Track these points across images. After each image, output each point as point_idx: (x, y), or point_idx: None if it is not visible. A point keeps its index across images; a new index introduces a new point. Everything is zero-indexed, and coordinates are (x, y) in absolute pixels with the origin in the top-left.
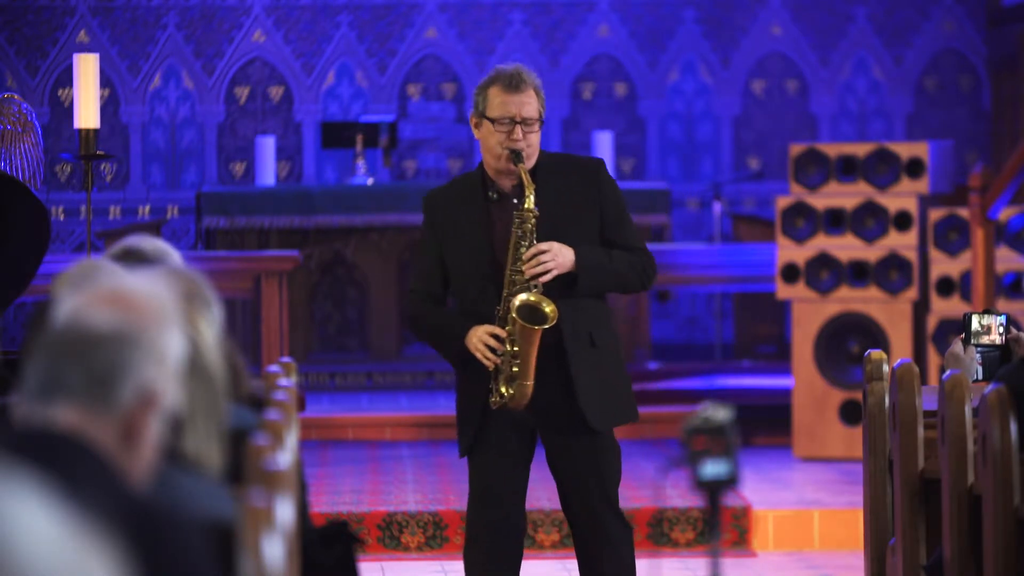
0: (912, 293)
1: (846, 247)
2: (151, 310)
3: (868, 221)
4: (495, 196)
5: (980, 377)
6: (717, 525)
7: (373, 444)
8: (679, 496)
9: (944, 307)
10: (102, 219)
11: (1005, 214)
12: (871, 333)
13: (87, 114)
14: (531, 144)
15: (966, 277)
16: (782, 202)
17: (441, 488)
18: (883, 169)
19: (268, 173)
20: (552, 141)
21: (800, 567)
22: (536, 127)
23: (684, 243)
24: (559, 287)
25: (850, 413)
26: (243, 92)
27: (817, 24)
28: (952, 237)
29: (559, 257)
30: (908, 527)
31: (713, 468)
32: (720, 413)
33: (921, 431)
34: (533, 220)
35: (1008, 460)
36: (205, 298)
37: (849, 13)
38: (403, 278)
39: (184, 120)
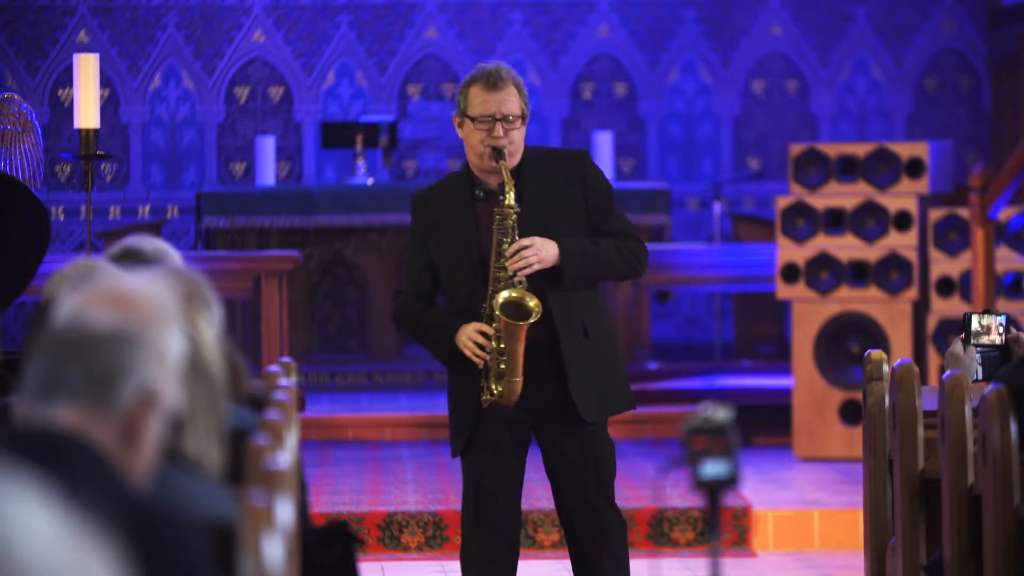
0: (912, 293)
1: (846, 247)
2: (151, 310)
3: (868, 221)
4: (481, 194)
5: (980, 377)
6: (717, 525)
7: (373, 444)
8: (679, 496)
9: (944, 307)
10: (102, 219)
11: (1005, 214)
12: (871, 333)
13: (87, 114)
14: (514, 141)
15: (966, 277)
16: (782, 202)
17: (441, 488)
18: (883, 169)
19: (268, 173)
20: (552, 141)
21: (800, 567)
22: (518, 124)
23: (684, 243)
24: (548, 280)
25: (850, 413)
26: (243, 92)
27: (817, 24)
28: (952, 237)
29: (542, 251)
30: (908, 527)
31: (713, 468)
32: (720, 413)
33: (921, 431)
34: (514, 216)
35: (1008, 460)
36: (205, 298)
37: (849, 13)
38: (402, 278)
39: (184, 120)
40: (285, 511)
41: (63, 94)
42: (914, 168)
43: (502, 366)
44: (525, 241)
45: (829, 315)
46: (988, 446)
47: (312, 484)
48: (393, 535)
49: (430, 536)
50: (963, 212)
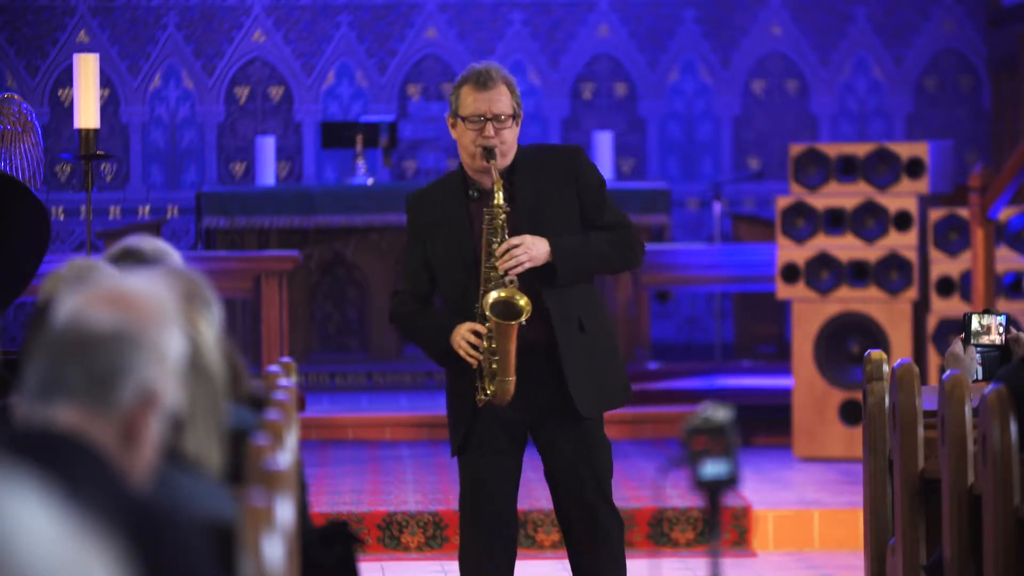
0: (912, 293)
1: (846, 247)
2: (151, 310)
3: (868, 221)
4: (475, 194)
5: (980, 377)
6: (717, 525)
7: (373, 444)
8: (679, 496)
9: (944, 307)
10: (102, 219)
11: (1005, 214)
12: (871, 333)
13: (87, 114)
14: (505, 140)
15: (966, 277)
16: (782, 202)
17: (441, 488)
18: (883, 169)
19: (268, 173)
20: (552, 141)
21: (800, 567)
22: (509, 123)
23: (684, 243)
24: (541, 278)
25: (850, 413)
26: (243, 92)
27: (817, 24)
28: (952, 237)
29: (532, 249)
30: (908, 527)
31: (713, 468)
32: (720, 413)
33: (921, 431)
34: (503, 216)
35: (1008, 460)
36: (205, 298)
37: (849, 13)
38: (400, 278)
39: (184, 120)
40: (285, 511)
41: (63, 94)
42: (914, 168)
43: (494, 366)
44: (515, 240)
45: (829, 315)
46: (988, 446)
47: (312, 484)
48: (393, 535)
49: (430, 536)
50: (963, 212)
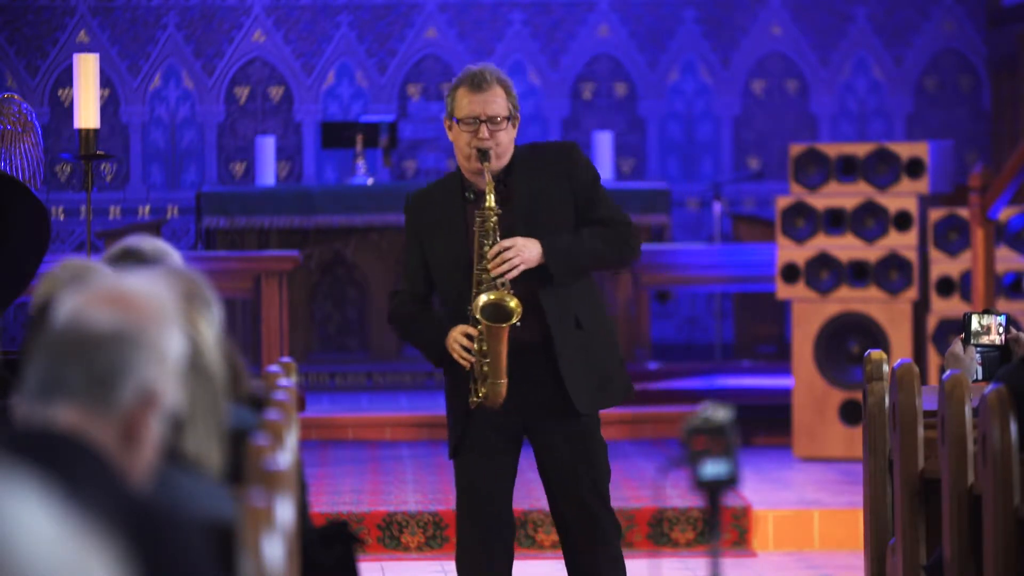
0: (912, 293)
1: (846, 247)
2: (151, 310)
3: (868, 221)
4: (471, 196)
5: (980, 377)
6: (717, 525)
7: (373, 444)
8: (679, 496)
9: (944, 307)
10: (102, 219)
11: (1005, 214)
12: (871, 333)
13: (87, 114)
14: (500, 142)
15: (966, 277)
16: (782, 202)
17: (441, 488)
18: (883, 169)
19: (268, 173)
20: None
21: (800, 567)
22: (504, 125)
23: (684, 243)
24: (537, 278)
25: (850, 413)
26: (243, 92)
27: (817, 24)
28: (952, 237)
29: (524, 252)
30: (908, 527)
31: (713, 468)
32: (720, 413)
33: (921, 431)
34: (495, 218)
35: (1008, 460)
36: (205, 298)
37: (849, 13)
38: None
39: (184, 120)
40: (285, 511)
41: (63, 94)
42: (914, 168)
43: (485, 368)
44: (506, 243)
45: (829, 315)
46: (988, 446)
47: (312, 484)
48: (393, 535)
49: (430, 536)
50: (963, 212)
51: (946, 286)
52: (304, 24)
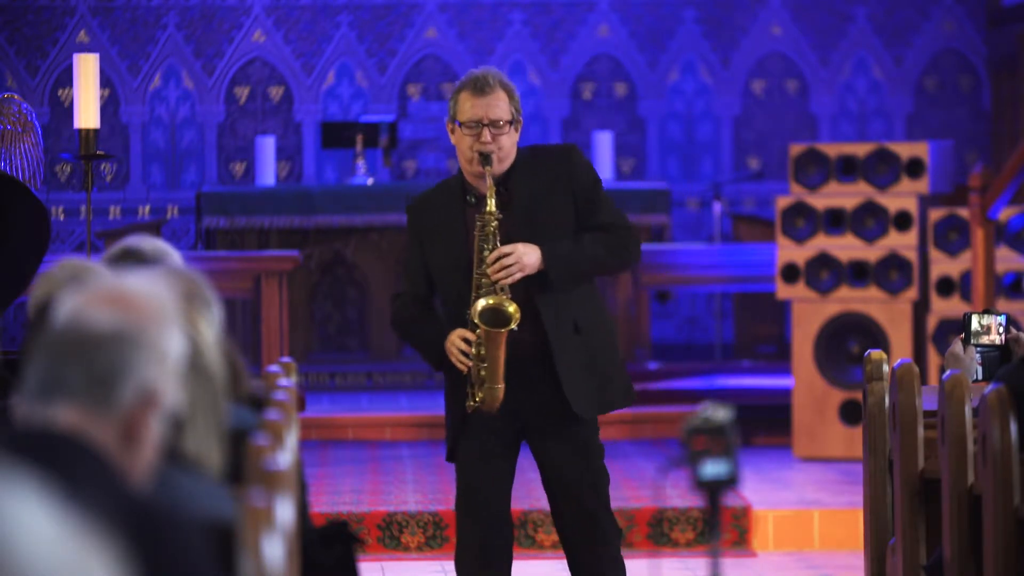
0: (912, 293)
1: (846, 247)
2: (151, 310)
3: (868, 221)
4: (472, 200)
5: (980, 377)
6: (717, 525)
7: (373, 444)
8: (679, 496)
9: (944, 307)
10: (102, 219)
11: (1005, 214)
12: (871, 333)
13: (87, 114)
14: (503, 147)
15: (966, 277)
16: (782, 202)
17: (441, 488)
18: (883, 169)
19: (268, 173)
20: (552, 141)
21: (800, 567)
22: (507, 129)
23: (684, 243)
24: (536, 283)
25: (850, 413)
26: (243, 92)
27: (817, 24)
28: (952, 237)
29: (524, 258)
30: (908, 527)
31: (713, 468)
32: (720, 413)
33: (921, 431)
34: (495, 223)
35: (1008, 460)
36: (205, 298)
37: (849, 13)
38: (401, 279)
39: (184, 120)
40: (285, 511)
41: (63, 94)
42: (914, 168)
43: (483, 373)
44: (506, 249)
45: (829, 315)
46: (988, 446)
47: (312, 484)
48: (393, 535)
49: (430, 536)
50: (963, 212)
51: (946, 286)
52: (304, 24)
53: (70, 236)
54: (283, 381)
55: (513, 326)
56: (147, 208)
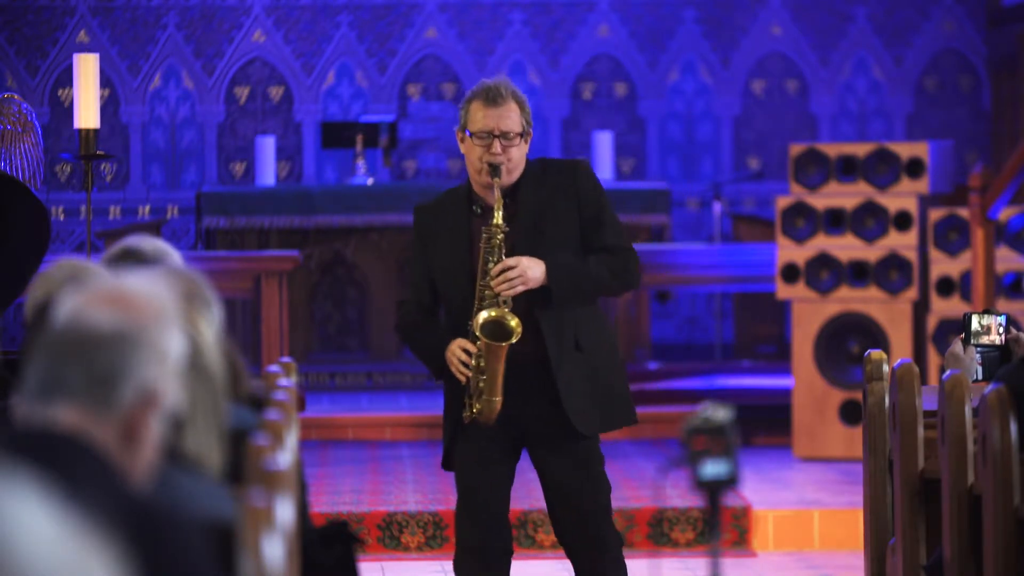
0: (912, 293)
1: (846, 247)
2: (151, 310)
3: (868, 221)
4: (478, 210)
5: (980, 377)
6: (717, 525)
7: (373, 444)
8: (679, 496)
9: (944, 307)
10: (102, 219)
11: (1005, 214)
12: (871, 333)
13: (87, 114)
14: (512, 158)
15: (966, 277)
16: (782, 202)
17: (441, 488)
18: (883, 169)
19: (268, 173)
20: (552, 141)
21: (800, 567)
22: (518, 141)
23: (684, 243)
24: (539, 298)
25: (850, 413)
26: (243, 92)
27: (817, 24)
28: (952, 237)
29: (528, 272)
30: (908, 527)
31: (713, 468)
32: (720, 413)
33: (921, 431)
34: (501, 236)
35: (1008, 460)
36: (205, 298)
37: (849, 13)
38: (403, 278)
39: (184, 120)
40: (285, 511)
41: (63, 94)
42: (914, 168)
43: (481, 385)
44: (511, 261)
45: (829, 315)
46: (988, 446)
47: (312, 484)
48: (393, 535)
49: (430, 536)
50: (963, 212)
51: (946, 286)
52: (304, 24)
53: (70, 236)
54: (283, 381)
55: (514, 340)
56: (147, 208)
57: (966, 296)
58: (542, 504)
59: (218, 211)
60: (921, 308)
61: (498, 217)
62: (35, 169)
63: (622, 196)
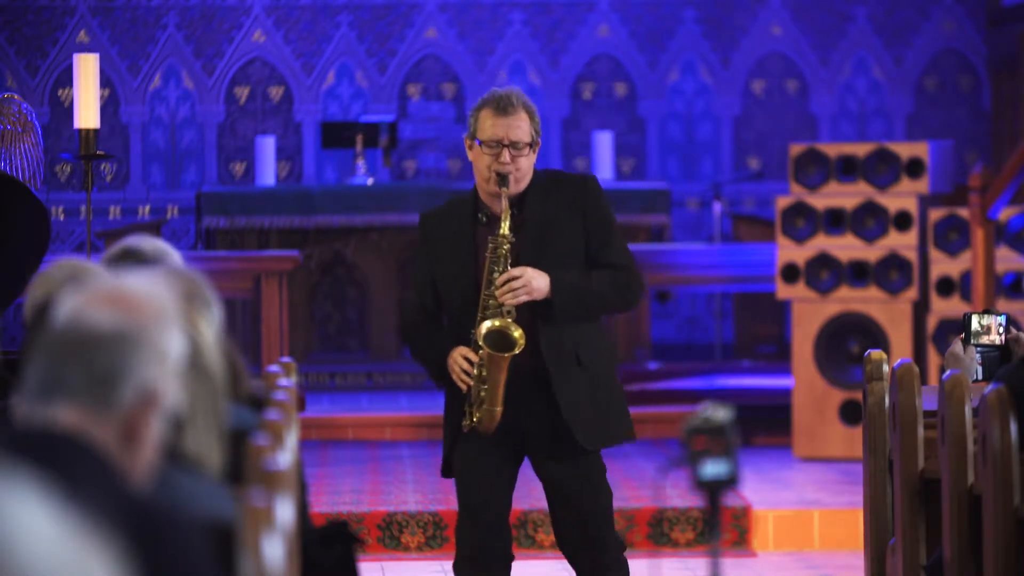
0: (912, 293)
1: (846, 247)
2: (151, 310)
3: (868, 221)
4: (484, 219)
5: (980, 377)
6: (717, 525)
7: (373, 444)
8: (679, 496)
9: (944, 307)
10: (102, 219)
11: (1005, 214)
12: (871, 333)
13: (87, 114)
14: (521, 168)
15: (966, 277)
16: (782, 202)
17: (441, 488)
18: (883, 169)
19: (268, 173)
20: (552, 141)
21: (800, 567)
22: (527, 151)
23: (684, 243)
24: (541, 311)
25: (850, 413)
26: (243, 92)
27: (817, 24)
28: (952, 237)
29: (532, 283)
30: (908, 527)
31: (713, 468)
32: (720, 413)
33: (921, 431)
34: (507, 246)
35: (1008, 460)
36: (205, 298)
37: (849, 13)
38: (403, 278)
39: (184, 120)
40: (285, 511)
41: (63, 94)
42: (914, 168)
43: (482, 394)
44: (516, 271)
45: (829, 315)
46: (988, 446)
47: (312, 484)
48: (393, 535)
49: (430, 536)
50: (963, 212)
51: (946, 286)
52: (304, 24)
53: (70, 236)
54: (283, 381)
55: (517, 351)
56: (147, 208)
57: (966, 296)
58: (542, 504)
59: (218, 211)
60: (921, 308)
61: (505, 227)
62: (35, 169)
63: (622, 196)
